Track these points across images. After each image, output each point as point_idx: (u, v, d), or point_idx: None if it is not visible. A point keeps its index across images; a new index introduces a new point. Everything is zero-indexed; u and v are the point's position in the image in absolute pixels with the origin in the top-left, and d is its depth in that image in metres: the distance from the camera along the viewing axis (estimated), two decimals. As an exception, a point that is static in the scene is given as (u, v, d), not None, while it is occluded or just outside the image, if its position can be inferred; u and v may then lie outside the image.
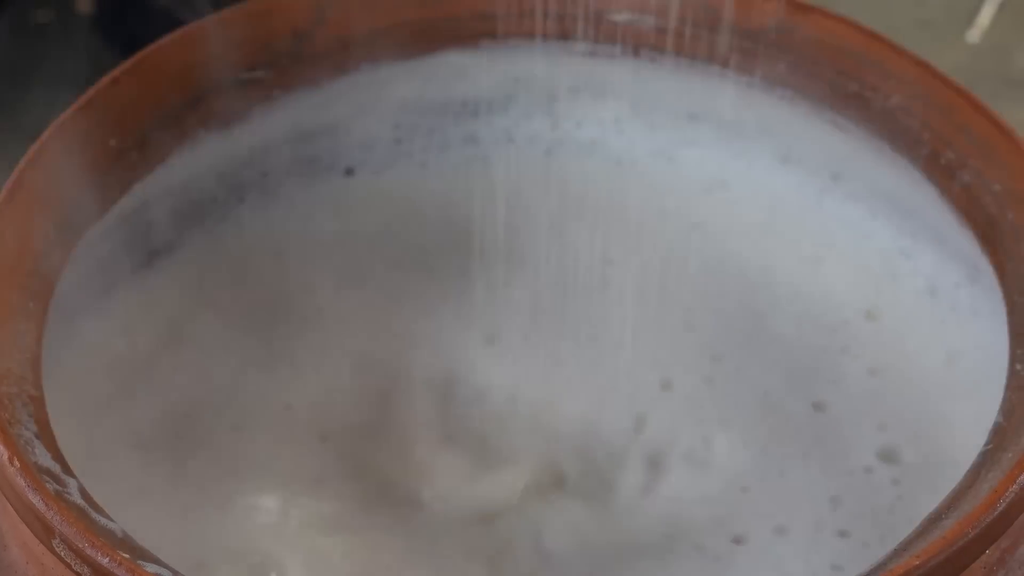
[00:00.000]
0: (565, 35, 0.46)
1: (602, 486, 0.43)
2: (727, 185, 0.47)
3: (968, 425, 0.41)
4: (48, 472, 0.36)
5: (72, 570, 0.35)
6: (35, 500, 0.35)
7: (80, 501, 0.36)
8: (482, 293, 0.46)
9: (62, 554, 0.35)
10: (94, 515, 0.35)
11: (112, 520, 0.36)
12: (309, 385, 0.44)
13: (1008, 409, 0.37)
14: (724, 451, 0.43)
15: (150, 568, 0.34)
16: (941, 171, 0.43)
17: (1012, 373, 0.38)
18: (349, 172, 0.47)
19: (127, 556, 0.35)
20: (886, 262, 0.45)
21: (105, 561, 0.34)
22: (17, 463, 0.36)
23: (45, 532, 0.35)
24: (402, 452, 0.43)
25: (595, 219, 0.47)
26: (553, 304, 0.45)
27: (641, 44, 0.46)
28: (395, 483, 0.43)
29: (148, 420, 0.43)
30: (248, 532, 0.41)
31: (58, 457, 0.37)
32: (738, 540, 0.41)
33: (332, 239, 0.47)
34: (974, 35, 0.62)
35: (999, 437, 0.37)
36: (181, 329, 0.45)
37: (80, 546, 0.35)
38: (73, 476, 0.36)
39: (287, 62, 0.45)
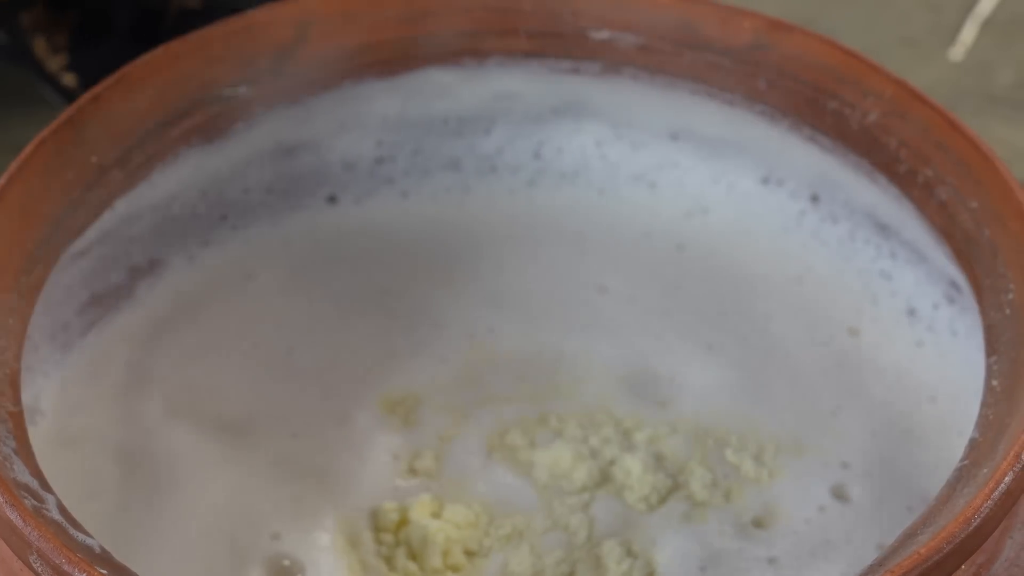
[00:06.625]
0: (546, 53, 0.46)
1: None
2: (708, 210, 0.47)
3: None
4: (26, 488, 0.36)
5: (50, 586, 0.35)
6: (12, 516, 0.35)
7: (58, 517, 0.36)
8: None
9: (39, 570, 0.35)
10: (72, 531, 0.35)
11: (90, 536, 0.36)
12: None
13: (984, 425, 0.37)
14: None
15: (127, 584, 0.34)
16: (919, 188, 0.43)
17: (988, 389, 0.38)
18: (332, 200, 0.48)
19: (105, 572, 0.35)
20: (866, 283, 0.46)
21: (82, 577, 0.34)
22: (-6, 479, 0.36)
23: (23, 548, 0.35)
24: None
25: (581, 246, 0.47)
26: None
27: (622, 62, 0.46)
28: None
29: None
30: None
31: (36, 473, 0.37)
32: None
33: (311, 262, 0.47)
34: (957, 52, 0.62)
35: (974, 453, 0.37)
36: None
37: (57, 562, 0.35)
38: (51, 492, 0.36)
39: (269, 79, 0.45)
